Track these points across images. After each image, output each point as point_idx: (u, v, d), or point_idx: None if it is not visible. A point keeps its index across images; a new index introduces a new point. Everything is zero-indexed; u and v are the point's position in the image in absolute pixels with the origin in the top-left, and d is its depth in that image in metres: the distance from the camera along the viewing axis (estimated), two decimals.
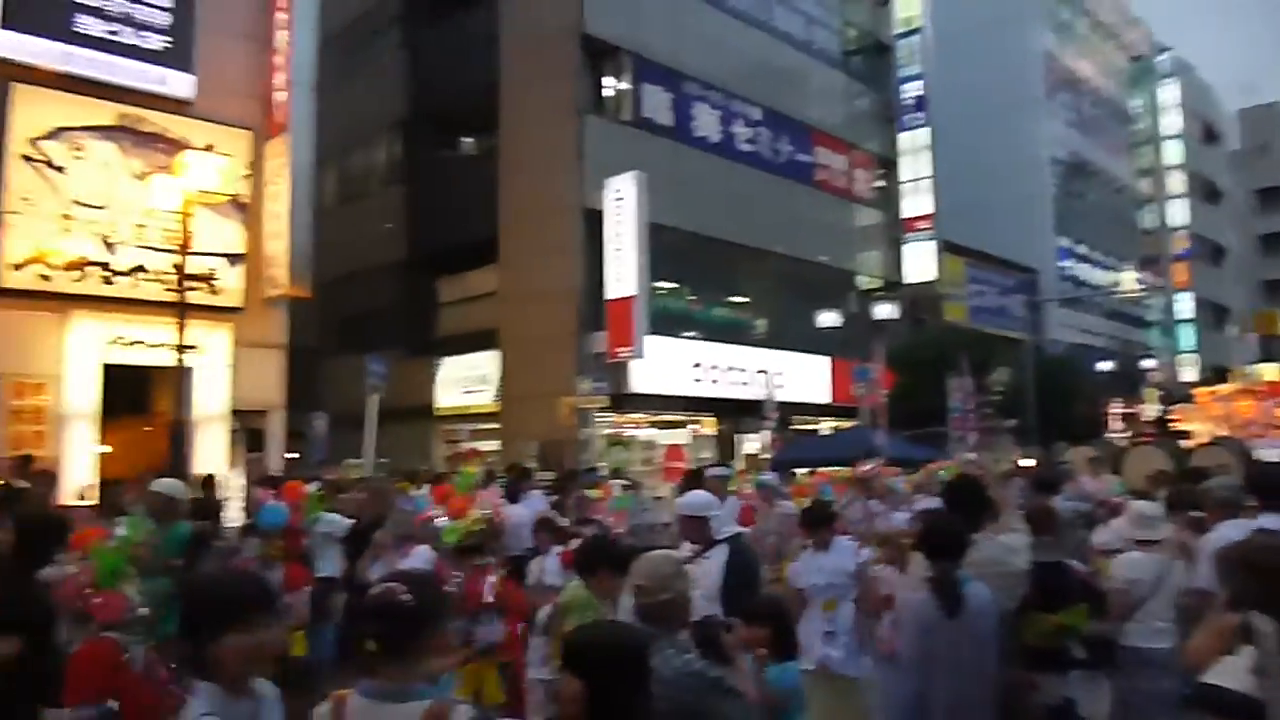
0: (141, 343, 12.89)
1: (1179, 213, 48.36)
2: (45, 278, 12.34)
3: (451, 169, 23.70)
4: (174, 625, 5.52)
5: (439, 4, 23.02)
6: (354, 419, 14.98)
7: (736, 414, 21.17)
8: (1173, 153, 48.55)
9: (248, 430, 14.38)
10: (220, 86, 14.06)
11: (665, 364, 19.01)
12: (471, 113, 21.99)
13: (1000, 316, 33.08)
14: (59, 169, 12.52)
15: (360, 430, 13.96)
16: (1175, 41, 50.49)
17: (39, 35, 12.41)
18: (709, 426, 21.51)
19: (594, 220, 18.55)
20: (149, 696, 3.87)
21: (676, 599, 3.06)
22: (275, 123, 14.45)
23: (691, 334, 20.70)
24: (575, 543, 7.42)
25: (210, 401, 13.35)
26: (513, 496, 9.40)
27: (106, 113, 12.97)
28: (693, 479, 9.29)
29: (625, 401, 18.72)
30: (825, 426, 24.11)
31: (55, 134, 12.54)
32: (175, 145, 12.94)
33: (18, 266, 12.16)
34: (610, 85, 20.21)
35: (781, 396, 19.64)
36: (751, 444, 21.38)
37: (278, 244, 14.22)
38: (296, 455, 15.87)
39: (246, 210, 14.08)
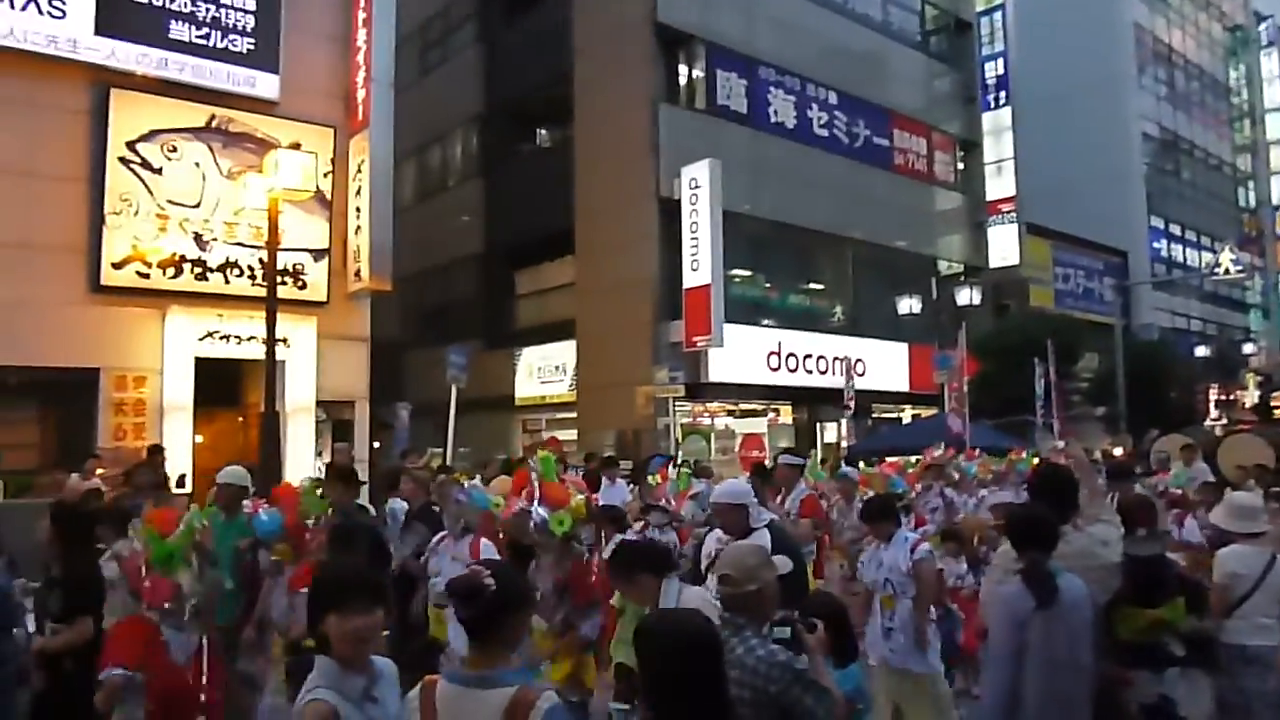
0: (232, 337, 13.34)
1: None
2: (143, 275, 12.84)
3: (528, 161, 23.96)
4: (230, 615, 5.76)
5: None
6: (436, 409, 15.31)
7: (814, 402, 20.98)
8: (1274, 126, 46.28)
9: (334, 421, 14.77)
10: (304, 86, 14.43)
11: (742, 352, 18.92)
12: (547, 105, 22.17)
13: (1088, 300, 32.07)
14: (155, 170, 13.00)
15: (442, 420, 14.27)
16: (1275, 9, 48.04)
17: (136, 42, 12.89)
18: (786, 415, 21.37)
19: (670, 209, 18.54)
20: (179, 682, 4.07)
21: (763, 589, 3.07)
22: (357, 120, 14.75)
23: (769, 322, 20.55)
24: (635, 530, 7.49)
25: (298, 393, 13.74)
26: (595, 485, 9.47)
27: (198, 114, 13.41)
28: (760, 472, 9.16)
29: (702, 390, 18.69)
30: (906, 415, 23.73)
31: (150, 136, 13.02)
32: (262, 144, 13.32)
33: (117, 265, 12.67)
34: (684, 73, 20.14)
35: (861, 384, 19.38)
36: (830, 432, 21.18)
37: (360, 239, 14.53)
38: (379, 445, 16.24)
39: (330, 206, 14.44)
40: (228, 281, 13.47)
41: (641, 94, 19.18)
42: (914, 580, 5.51)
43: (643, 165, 18.89)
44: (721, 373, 18.61)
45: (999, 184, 26.69)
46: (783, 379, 20.08)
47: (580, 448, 17.36)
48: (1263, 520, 5.15)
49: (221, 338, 13.27)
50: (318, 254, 14.34)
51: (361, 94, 14.72)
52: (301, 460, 13.37)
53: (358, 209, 14.65)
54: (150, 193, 12.96)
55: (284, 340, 12.40)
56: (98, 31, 12.61)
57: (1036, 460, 14.13)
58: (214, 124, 13.53)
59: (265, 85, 13.94)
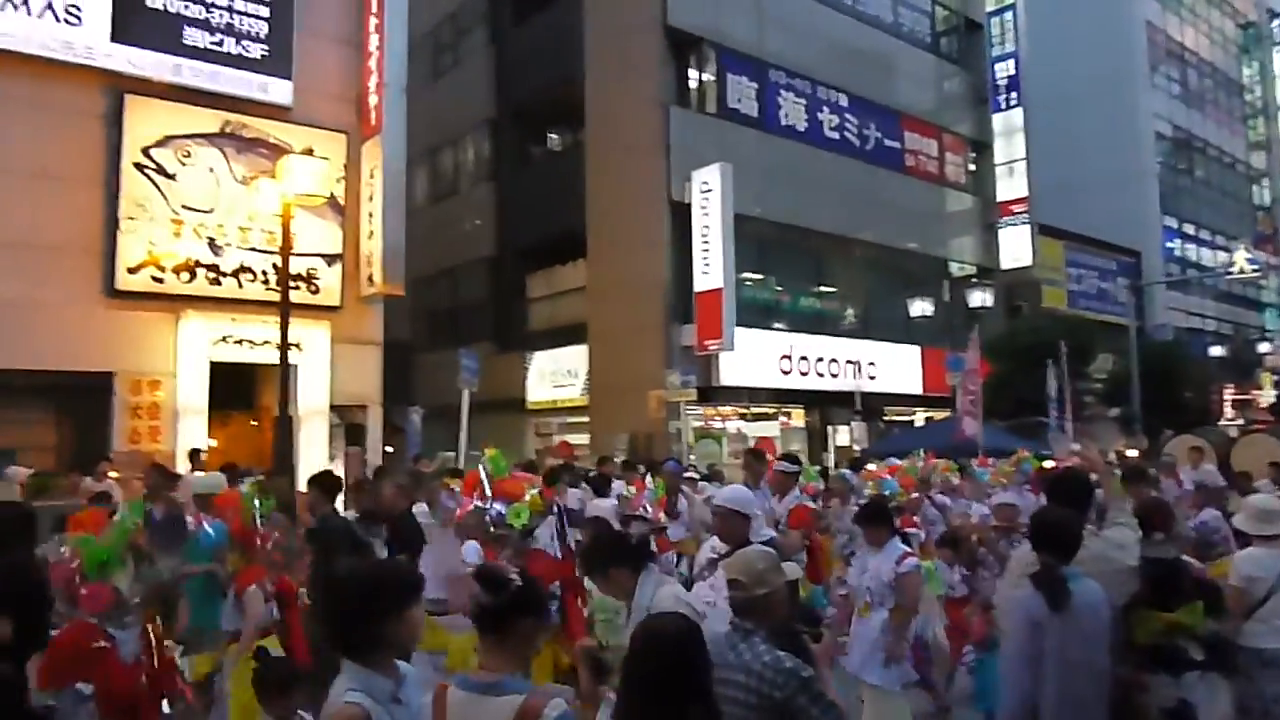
0: (246, 341, 13.41)
1: None
2: (157, 280, 12.93)
3: (539, 165, 24.01)
4: (207, 618, 5.68)
5: (524, 3, 23.29)
6: (448, 412, 15.33)
7: (826, 405, 20.95)
8: None
9: (347, 424, 14.83)
10: (316, 91, 14.51)
11: (754, 356, 18.91)
12: (558, 109, 22.21)
13: (1102, 301, 31.92)
14: (169, 175, 13.09)
15: (454, 423, 14.29)
16: None
17: (150, 48, 12.99)
18: (799, 418, 21.33)
19: (681, 213, 18.55)
20: (128, 683, 4.06)
21: (771, 594, 3.07)
22: (369, 125, 14.82)
23: (780, 325, 20.52)
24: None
25: (311, 397, 13.80)
26: (598, 489, 9.48)
27: (212, 120, 13.50)
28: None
29: (714, 394, 18.69)
30: (919, 418, 23.65)
31: (164, 142, 13.11)
32: (275, 149, 13.40)
33: (132, 270, 12.76)
34: (694, 76, 20.15)
35: (873, 387, 19.36)
36: (842, 436, 21.14)
37: (373, 243, 14.59)
38: (392, 449, 16.29)
39: (343, 211, 14.50)
40: (241, 286, 13.54)
41: (652, 97, 19.21)
42: (895, 592, 5.43)
43: (654, 168, 18.90)
44: (733, 376, 18.61)
45: (1010, 185, 26.59)
46: (794, 382, 20.06)
47: (592, 451, 17.38)
48: None
49: (235, 342, 13.35)
50: (330, 258, 14.40)
51: (374, 99, 14.78)
52: (315, 463, 13.41)
53: (370, 213, 14.71)
54: (165, 198, 13.05)
55: (297, 344, 12.46)
56: (113, 38, 12.72)
57: (1047, 462, 14.10)
58: (227, 129, 13.62)
59: (278, 91, 14.02)
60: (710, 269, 17.85)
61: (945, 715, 6.44)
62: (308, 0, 14.45)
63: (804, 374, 20.21)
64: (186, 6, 13.34)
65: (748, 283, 19.72)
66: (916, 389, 22.80)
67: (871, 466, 12.06)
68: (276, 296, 11.28)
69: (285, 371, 10.61)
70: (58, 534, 4.89)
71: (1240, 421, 32.49)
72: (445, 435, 16.08)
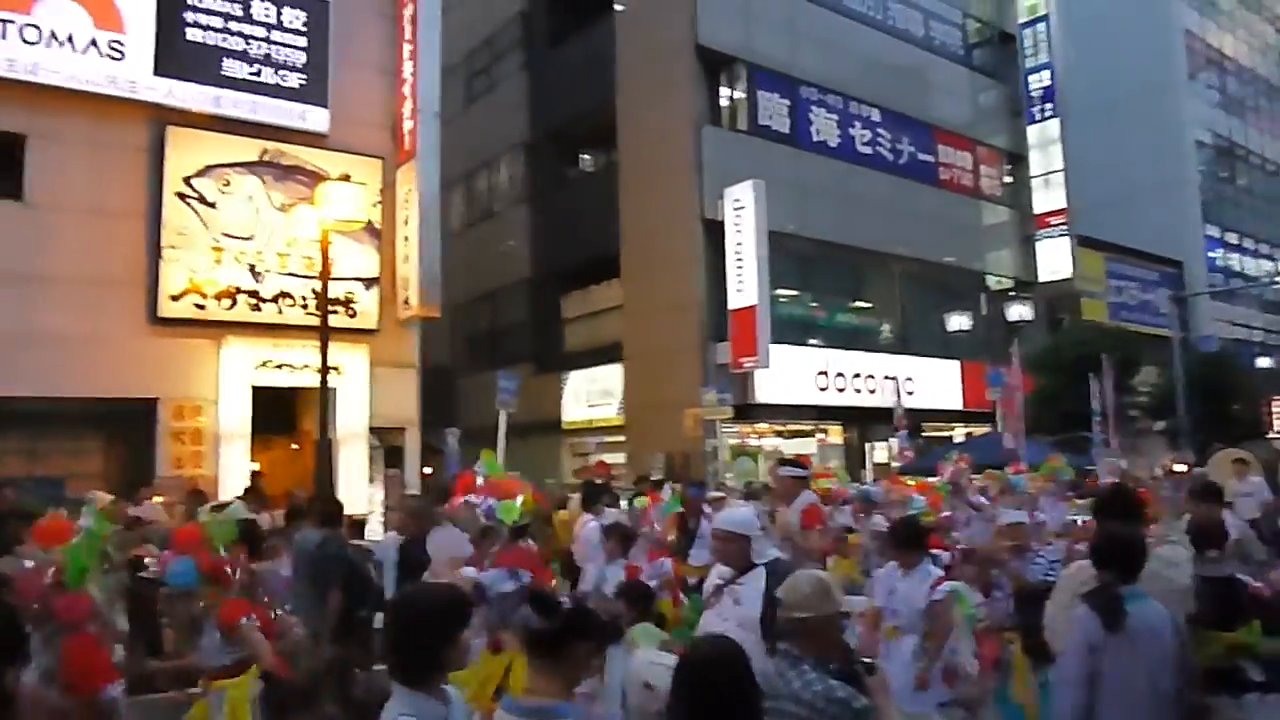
0: (286, 365, 13.57)
1: None
2: (200, 306, 13.14)
3: (573, 186, 24.16)
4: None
5: (557, 27, 23.52)
6: (485, 434, 15.36)
7: (864, 422, 20.75)
8: None
9: (386, 447, 14.92)
10: (352, 118, 14.72)
11: (790, 373, 18.80)
12: (591, 130, 22.36)
13: (1144, 313, 31.37)
14: (210, 204, 13.33)
15: (492, 445, 14.32)
16: None
17: (191, 80, 13.28)
18: (836, 435, 21.15)
19: (715, 231, 18.55)
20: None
21: (812, 620, 2.96)
22: (405, 150, 14.99)
23: (816, 341, 20.40)
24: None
25: (351, 420, 13.92)
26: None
27: (251, 149, 13.74)
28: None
29: (751, 412, 18.59)
30: (958, 433, 23.34)
31: (205, 171, 13.36)
32: (313, 176, 13.59)
33: (175, 297, 12.99)
34: (726, 95, 20.19)
35: (911, 403, 19.14)
36: (881, 452, 20.92)
37: (409, 267, 14.73)
38: (430, 470, 16.36)
39: (380, 236, 14.66)
40: (281, 311, 13.72)
41: (684, 117, 19.26)
42: (929, 619, 5.31)
43: (687, 187, 18.93)
44: (769, 394, 18.50)
45: (1047, 197, 26.29)
46: (831, 399, 19.90)
47: (629, 471, 17.34)
48: None
49: (276, 366, 13.51)
50: (368, 283, 14.56)
51: (409, 124, 14.96)
52: (355, 486, 13.52)
53: (406, 237, 14.86)
54: (205, 226, 13.28)
55: (336, 368, 12.59)
56: (156, 71, 13.01)
57: (1083, 473, 13.81)
58: (266, 157, 13.85)
59: (315, 119, 14.24)
60: (744, 286, 17.81)
61: None
62: (343, 29, 14.68)
63: (841, 390, 20.05)
64: (225, 39, 13.63)
65: (783, 299, 19.64)
66: (956, 404, 22.52)
67: (909, 480, 11.82)
68: (316, 321, 11.41)
69: (325, 395, 10.70)
70: (17, 546, 4.93)
71: None
72: None
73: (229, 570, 5.31)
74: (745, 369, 17.89)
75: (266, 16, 14.00)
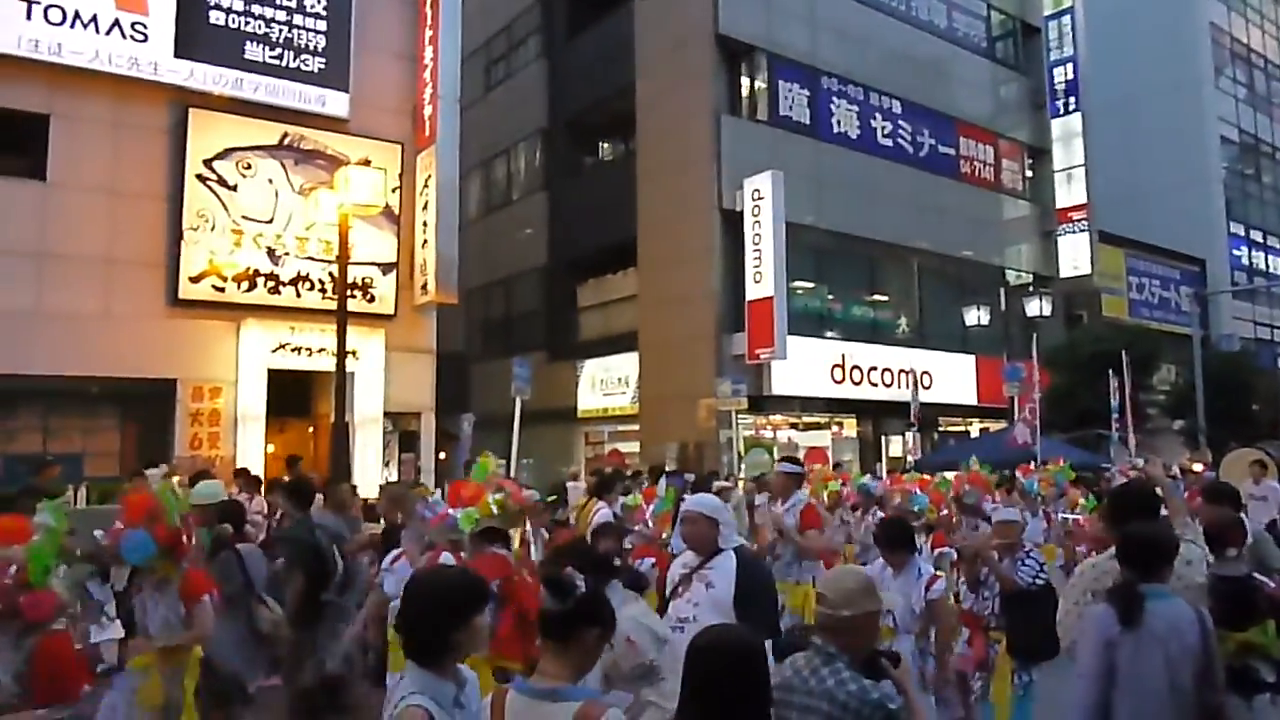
0: (303, 349, 13.65)
1: None
2: (219, 289, 13.23)
3: (591, 175, 24.13)
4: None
5: (577, 14, 23.46)
6: (499, 421, 15.42)
7: (879, 415, 20.70)
8: None
9: (401, 432, 15.00)
10: (373, 103, 14.76)
11: (806, 365, 18.75)
12: (609, 119, 22.33)
13: (1164, 310, 31.12)
14: (230, 187, 13.41)
15: (506, 431, 14.38)
16: None
17: (213, 63, 13.34)
18: (850, 428, 21.10)
19: (732, 221, 18.50)
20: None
21: (858, 618, 2.90)
22: (424, 136, 15.03)
23: (832, 334, 20.34)
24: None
25: (366, 404, 13.99)
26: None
27: (271, 132, 13.80)
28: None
29: (765, 403, 18.57)
30: (974, 428, 23.28)
31: (225, 154, 13.43)
32: (333, 161, 13.65)
33: (194, 279, 13.08)
34: (746, 85, 20.11)
35: (927, 397, 19.08)
36: (895, 446, 20.87)
37: (427, 252, 14.78)
38: (444, 456, 16.43)
39: (398, 221, 14.70)
40: (299, 295, 13.80)
41: (703, 106, 19.19)
42: (927, 619, 5.26)
43: (705, 177, 18.88)
44: (784, 385, 18.47)
45: (1069, 191, 26.08)
46: (847, 391, 19.85)
47: (642, 460, 17.36)
48: None
49: (293, 350, 13.59)
50: (386, 268, 14.61)
51: (429, 110, 14.99)
52: (370, 470, 13.60)
53: (424, 223, 14.90)
54: (226, 209, 13.36)
55: (353, 352, 12.65)
56: (177, 54, 13.08)
57: (1099, 470, 13.72)
58: (286, 141, 13.90)
59: (335, 103, 14.28)
60: (762, 277, 17.77)
61: None
62: (364, 15, 14.71)
63: (856, 383, 19.99)
64: (247, 22, 13.68)
65: (800, 291, 19.58)
66: (971, 399, 22.42)
67: (918, 475, 11.75)
68: (333, 305, 11.47)
69: (341, 379, 10.76)
70: None
71: None
72: (498, 443, 16.15)
73: (185, 539, 5.08)
74: (762, 360, 17.86)
75: (288, 0, 14.03)
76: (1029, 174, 26.29)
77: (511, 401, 14.11)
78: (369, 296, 14.38)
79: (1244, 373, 26.13)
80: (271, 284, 13.60)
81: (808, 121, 20.34)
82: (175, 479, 10.55)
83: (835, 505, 9.75)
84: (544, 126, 24.32)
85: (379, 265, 14.53)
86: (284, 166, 13.86)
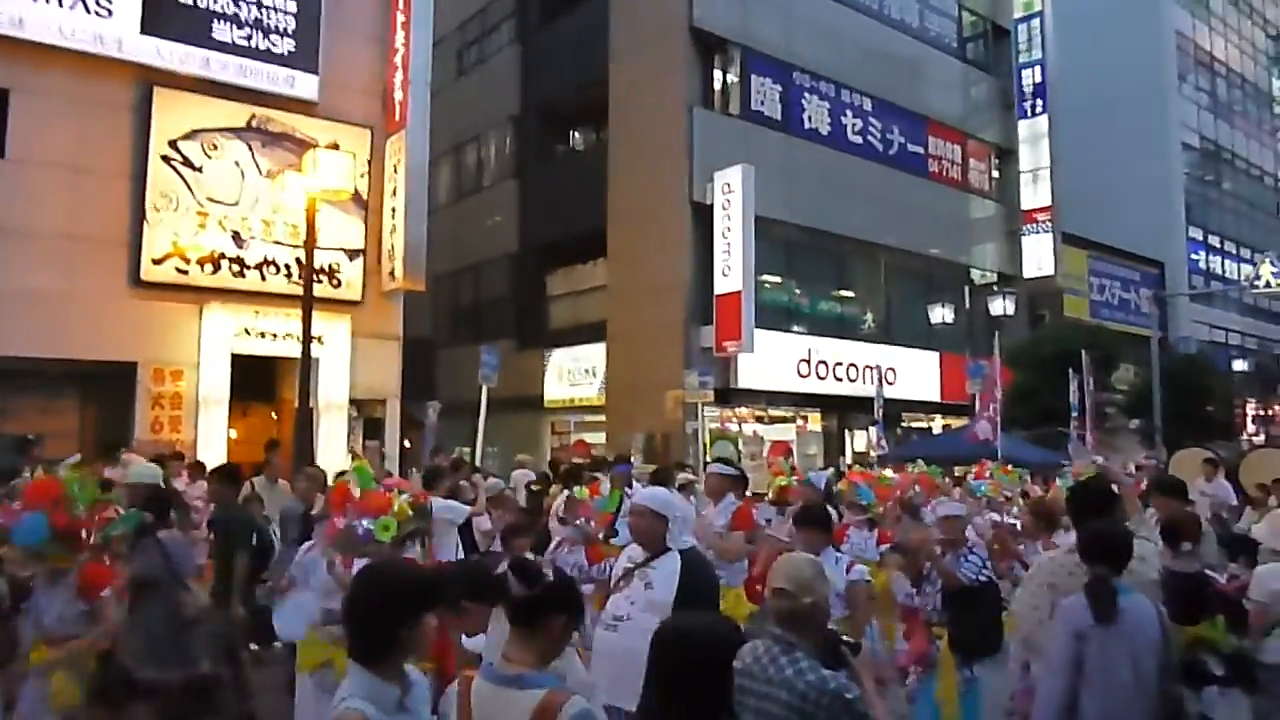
0: (268, 333, 13.50)
1: None
2: (182, 271, 13.03)
3: (562, 163, 24.05)
4: None
5: (551, 2, 23.34)
6: (466, 408, 15.41)
7: (844, 410, 20.89)
8: None
9: (366, 418, 14.89)
10: (342, 86, 14.58)
11: (773, 358, 18.88)
12: (582, 107, 22.27)
13: (1125, 312, 31.68)
14: (196, 168, 13.20)
15: (472, 419, 14.35)
16: None
17: (179, 41, 13.10)
18: (815, 422, 21.27)
19: (703, 214, 18.55)
20: None
21: (818, 604, 2.93)
22: (394, 120, 14.88)
23: (800, 328, 20.48)
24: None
25: (331, 390, 13.87)
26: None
27: (239, 114, 13.59)
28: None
29: (732, 396, 18.67)
30: (937, 424, 23.56)
31: (191, 135, 13.21)
32: (301, 144, 13.48)
33: (157, 261, 12.87)
34: (719, 78, 20.14)
35: (891, 393, 19.28)
36: (860, 440, 21.08)
37: (395, 238, 14.66)
38: (410, 443, 16.35)
39: (366, 206, 14.57)
40: (264, 279, 13.63)
41: (676, 98, 19.20)
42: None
43: (676, 169, 18.91)
44: (751, 379, 18.58)
45: (1035, 193, 26.42)
46: (812, 386, 20.01)
47: (609, 450, 17.39)
48: None
49: (258, 334, 13.43)
50: (353, 253, 14.48)
51: (399, 95, 14.85)
52: (334, 457, 13.49)
53: (393, 209, 14.78)
54: (191, 190, 13.15)
55: (319, 338, 12.52)
56: (143, 31, 12.82)
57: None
58: (254, 123, 13.70)
59: (304, 85, 14.10)
60: (731, 270, 17.84)
61: None
62: None
63: (822, 378, 20.16)
64: (215, 1, 13.46)
65: (768, 285, 19.68)
66: (935, 395, 22.70)
67: (889, 472, 11.76)
68: (299, 290, 11.35)
69: (306, 364, 10.66)
70: None
71: (1263, 437, 32.17)
72: (463, 431, 16.15)
73: (85, 533, 4.90)
74: (729, 353, 17.95)
75: None
76: (995, 174, 26.61)
77: (479, 389, 14.13)
78: (335, 281, 14.24)
79: (1200, 374, 26.70)
80: (236, 267, 13.43)
81: (779, 116, 20.43)
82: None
83: (780, 503, 9.29)
84: (516, 113, 24.21)
85: (346, 250, 14.40)
86: (251, 149, 13.66)
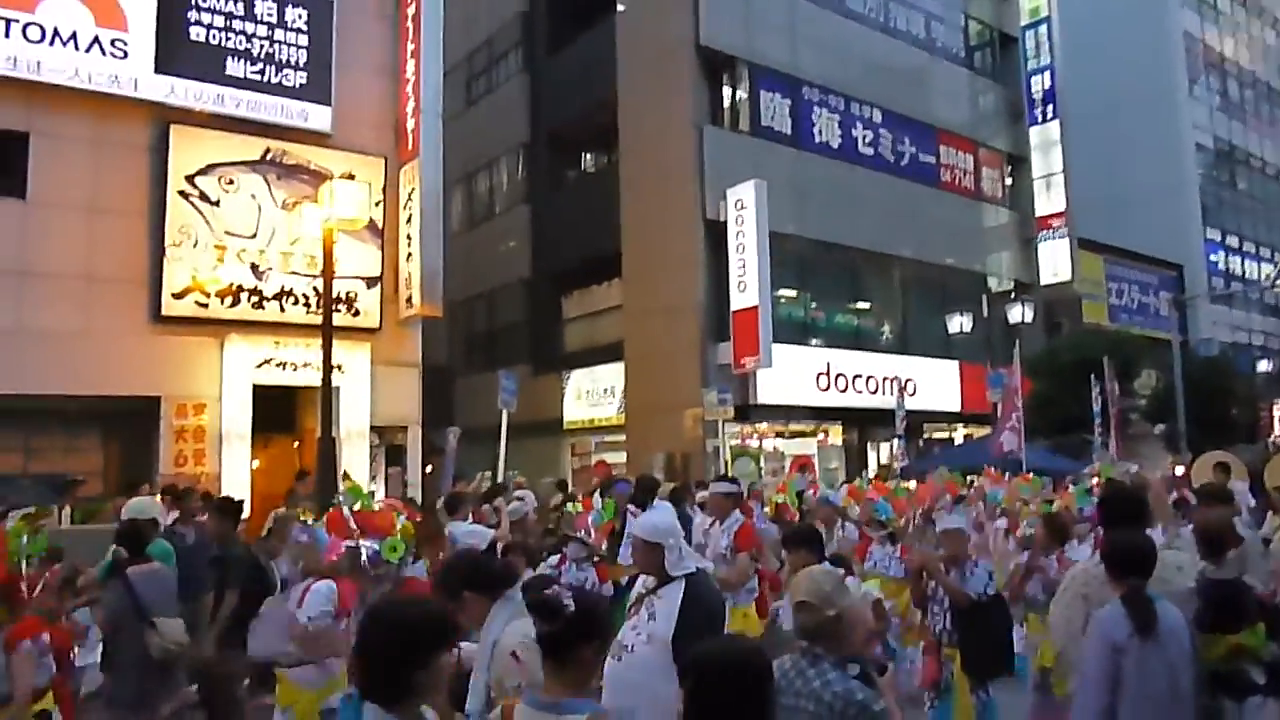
0: (288, 364, 13.58)
1: None
2: (202, 305, 13.14)
3: (573, 187, 24.19)
4: None
5: (558, 28, 23.55)
6: (485, 433, 15.41)
7: (865, 423, 20.79)
8: None
9: (387, 446, 14.93)
10: (355, 117, 14.73)
11: (791, 373, 18.82)
12: (591, 131, 22.39)
13: (1144, 316, 31.45)
14: (213, 202, 13.33)
15: (492, 444, 14.35)
16: None
17: (194, 79, 13.28)
18: (836, 436, 21.18)
19: (716, 231, 18.57)
20: None
21: (842, 616, 2.95)
22: (406, 150, 15.01)
23: (817, 342, 20.43)
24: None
25: (352, 418, 13.92)
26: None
27: (254, 147, 13.74)
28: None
29: (751, 412, 18.61)
30: (958, 434, 23.39)
31: (208, 170, 13.36)
32: (316, 175, 13.61)
33: (177, 295, 12.99)
34: (728, 95, 20.23)
35: (912, 404, 19.17)
36: (882, 453, 20.95)
37: (411, 266, 14.74)
38: (431, 469, 16.36)
39: (382, 235, 14.67)
40: (283, 310, 13.72)
41: (685, 117, 19.28)
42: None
43: (688, 188, 18.96)
44: (770, 394, 18.52)
45: (1048, 199, 26.33)
46: (832, 399, 19.93)
47: (629, 471, 17.34)
48: None
49: (278, 365, 13.52)
50: (370, 281, 14.56)
51: (411, 124, 14.98)
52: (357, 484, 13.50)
53: (408, 236, 14.87)
54: (208, 224, 13.28)
55: (338, 367, 12.58)
56: (157, 70, 13.01)
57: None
58: (269, 156, 13.85)
59: (318, 118, 14.25)
60: (746, 287, 17.83)
61: None
62: (345, 29, 14.69)
63: (842, 391, 20.08)
64: (228, 38, 13.63)
65: (784, 300, 19.66)
66: (955, 406, 22.56)
67: (914, 484, 11.66)
68: (318, 320, 11.42)
69: (327, 393, 10.70)
70: None
71: None
72: (483, 456, 16.15)
73: (25, 589, 4.69)
74: (747, 369, 17.91)
75: (269, 15, 14.00)
76: (1008, 182, 26.53)
77: (497, 414, 14.15)
78: (354, 310, 14.32)
79: (1222, 377, 26.41)
80: (255, 299, 13.53)
81: (789, 131, 20.47)
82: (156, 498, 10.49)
83: (779, 520, 9.34)
84: (526, 140, 24.37)
85: (363, 279, 14.48)
86: (267, 181, 13.80)
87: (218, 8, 13.55)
